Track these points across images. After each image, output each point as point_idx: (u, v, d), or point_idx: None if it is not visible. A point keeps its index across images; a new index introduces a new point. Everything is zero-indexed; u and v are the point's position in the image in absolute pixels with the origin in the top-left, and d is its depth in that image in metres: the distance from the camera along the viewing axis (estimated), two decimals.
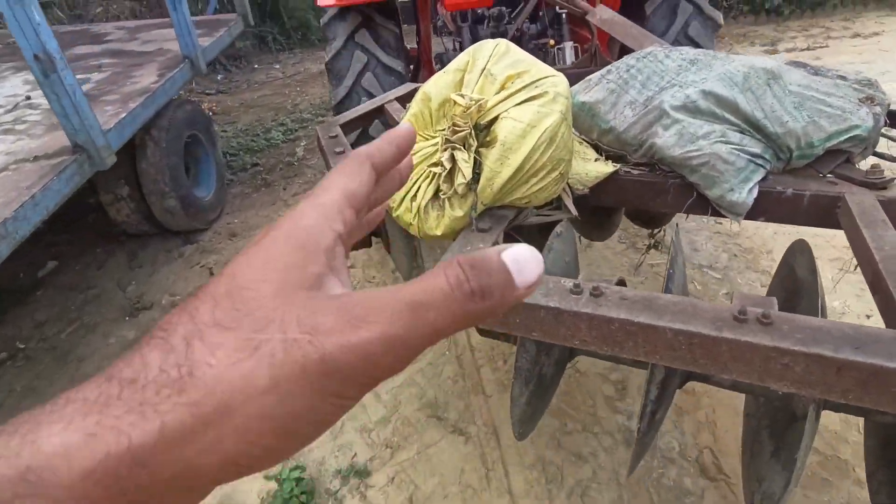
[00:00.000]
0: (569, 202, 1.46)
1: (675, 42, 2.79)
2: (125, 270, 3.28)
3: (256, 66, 8.18)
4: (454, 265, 0.25)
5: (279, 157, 4.64)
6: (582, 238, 2.26)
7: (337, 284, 0.27)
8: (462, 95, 1.24)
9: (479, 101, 1.22)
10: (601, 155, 1.54)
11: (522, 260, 0.26)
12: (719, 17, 2.94)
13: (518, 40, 3.24)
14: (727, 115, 1.35)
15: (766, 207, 1.39)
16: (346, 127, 2.05)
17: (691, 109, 1.36)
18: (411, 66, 3.50)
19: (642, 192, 1.49)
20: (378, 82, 2.79)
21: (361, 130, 2.28)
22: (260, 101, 6.42)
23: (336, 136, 1.87)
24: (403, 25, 3.23)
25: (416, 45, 3.64)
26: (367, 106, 2.12)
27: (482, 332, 1.68)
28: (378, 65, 2.80)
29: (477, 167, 1.24)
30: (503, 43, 1.39)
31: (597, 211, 1.91)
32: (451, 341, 2.46)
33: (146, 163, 3.06)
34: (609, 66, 1.55)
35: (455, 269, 0.25)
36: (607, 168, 1.48)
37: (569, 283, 1.05)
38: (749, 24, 7.43)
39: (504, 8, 3.13)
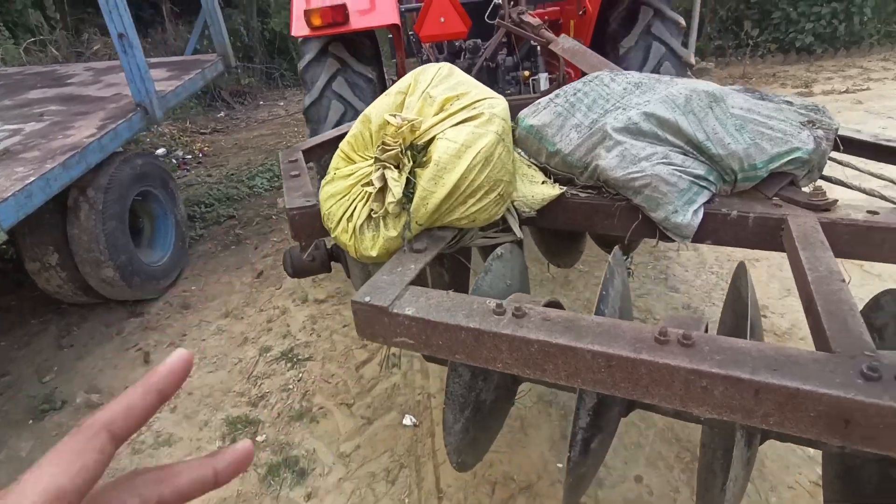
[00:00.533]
0: (514, 224, 1.44)
1: None
2: (51, 351, 2.82)
3: (262, 102, 8.24)
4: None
5: (258, 209, 4.34)
6: (550, 265, 2.24)
7: None
8: (394, 115, 1.23)
9: (411, 121, 1.22)
10: (549, 178, 1.53)
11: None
12: (691, 56, 2.99)
13: (493, 72, 3.29)
14: (669, 137, 1.34)
15: (713, 230, 1.37)
16: (309, 153, 2.05)
17: (633, 131, 1.35)
18: None
19: (590, 214, 1.47)
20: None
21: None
22: (255, 141, 6.27)
23: (296, 161, 1.87)
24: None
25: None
26: (329, 134, 2.13)
27: (427, 359, 1.63)
28: (352, 78, 2.83)
29: (411, 187, 1.22)
30: (446, 66, 1.40)
31: (560, 235, 1.90)
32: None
33: (78, 228, 2.70)
34: (557, 90, 1.56)
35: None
36: (554, 191, 1.46)
37: (492, 303, 1.02)
38: (778, 64, 7.10)
39: (479, 41, 3.18)
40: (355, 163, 1.34)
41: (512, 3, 2.52)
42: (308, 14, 2.61)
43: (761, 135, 1.33)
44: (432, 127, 1.26)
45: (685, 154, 1.34)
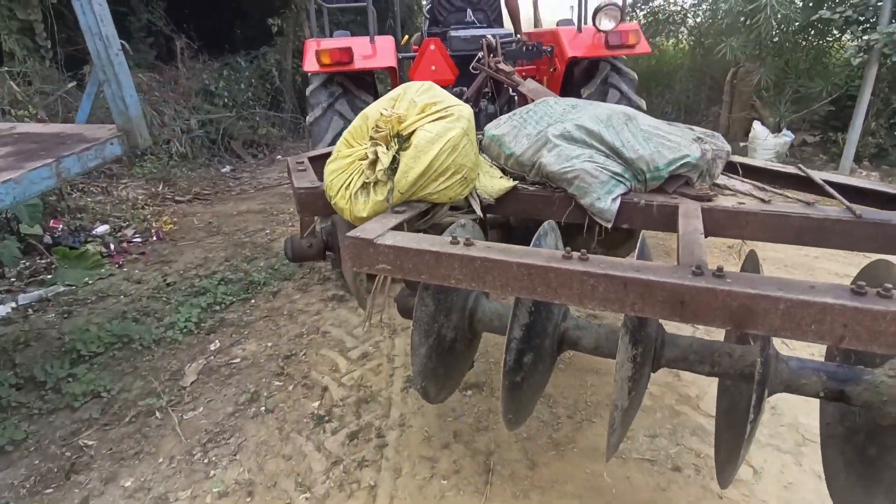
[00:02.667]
0: (476, 206, 1.83)
1: None
2: None
3: (279, 156, 7.87)
4: None
5: (150, 381, 2.72)
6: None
7: None
8: (386, 109, 1.65)
9: (399, 114, 1.64)
10: (506, 175, 1.94)
11: None
12: (643, 104, 3.54)
13: (476, 116, 3.81)
14: (594, 143, 1.77)
15: (628, 216, 1.77)
16: (314, 161, 2.46)
17: (568, 138, 1.78)
18: None
19: (536, 202, 1.87)
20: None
21: None
22: (235, 221, 5.14)
23: (303, 162, 2.27)
24: None
25: None
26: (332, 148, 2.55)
27: (402, 313, 1.96)
28: (353, 100, 3.31)
29: (396, 164, 1.62)
30: (428, 83, 1.84)
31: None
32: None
33: None
34: (515, 110, 2.00)
35: None
36: (509, 183, 1.87)
37: (448, 237, 1.39)
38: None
39: (465, 87, 3.71)
40: (354, 148, 1.74)
41: (492, 54, 3.04)
42: (319, 53, 3.10)
43: (662, 145, 1.77)
44: (414, 122, 1.67)
45: (606, 156, 1.77)
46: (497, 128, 1.98)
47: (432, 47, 3.44)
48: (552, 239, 1.58)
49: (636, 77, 3.59)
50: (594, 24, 3.26)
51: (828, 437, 1.60)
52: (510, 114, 2.01)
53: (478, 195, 1.86)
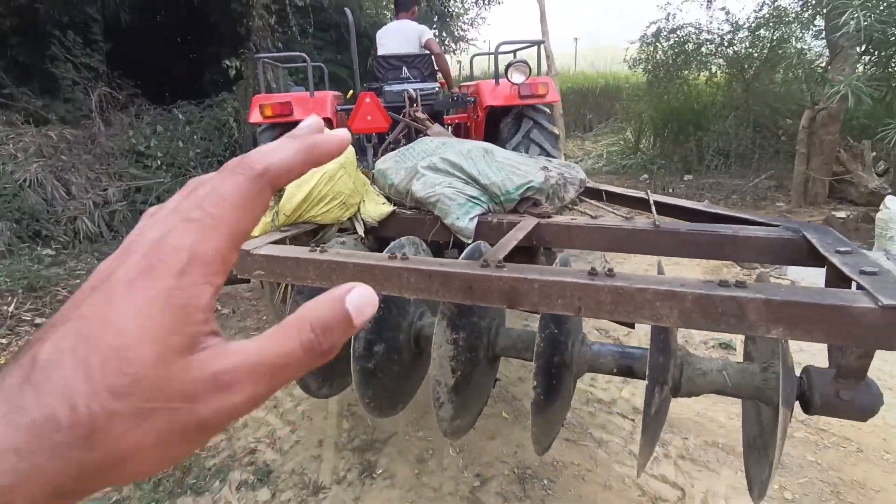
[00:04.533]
0: (359, 227, 2.16)
1: None
2: None
3: None
4: (307, 330, 0.28)
5: None
6: None
7: (210, 337, 0.28)
8: None
9: None
10: (390, 202, 2.28)
11: (362, 304, 0.29)
12: (562, 157, 3.95)
13: None
14: (455, 172, 2.11)
15: (485, 233, 2.09)
16: None
17: (434, 168, 2.13)
18: None
19: (411, 224, 2.20)
20: None
21: None
22: None
23: None
24: None
25: None
26: None
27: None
28: None
29: (282, 191, 1.95)
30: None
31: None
32: None
33: None
34: (400, 148, 2.36)
35: (308, 335, 0.28)
36: (388, 208, 2.21)
37: (307, 248, 1.70)
38: None
39: (400, 134, 4.12)
40: None
41: (412, 105, 3.45)
42: (262, 107, 3.51)
43: (512, 172, 2.11)
44: None
45: (465, 183, 2.11)
46: (384, 163, 2.33)
47: (367, 100, 3.85)
48: (409, 250, 1.89)
49: (558, 134, 4.01)
50: (507, 77, 3.70)
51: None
52: (396, 151, 2.37)
53: (362, 219, 2.19)
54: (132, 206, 5.98)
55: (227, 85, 7.66)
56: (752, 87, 7.13)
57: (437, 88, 4.13)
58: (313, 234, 2.09)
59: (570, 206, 2.32)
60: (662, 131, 8.78)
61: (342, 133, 0.34)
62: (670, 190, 7.20)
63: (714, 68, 7.81)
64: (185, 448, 0.27)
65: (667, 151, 8.62)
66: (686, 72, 7.80)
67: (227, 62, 7.06)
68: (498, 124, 4.06)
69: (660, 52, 7.87)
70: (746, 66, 7.15)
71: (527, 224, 1.97)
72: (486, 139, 3.96)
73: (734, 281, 1.23)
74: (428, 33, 4.31)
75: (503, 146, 3.94)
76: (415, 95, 3.42)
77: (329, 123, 3.81)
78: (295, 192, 1.94)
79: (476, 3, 14.66)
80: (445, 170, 2.12)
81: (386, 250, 1.80)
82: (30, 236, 5.25)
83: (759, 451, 1.51)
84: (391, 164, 2.30)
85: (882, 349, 1.15)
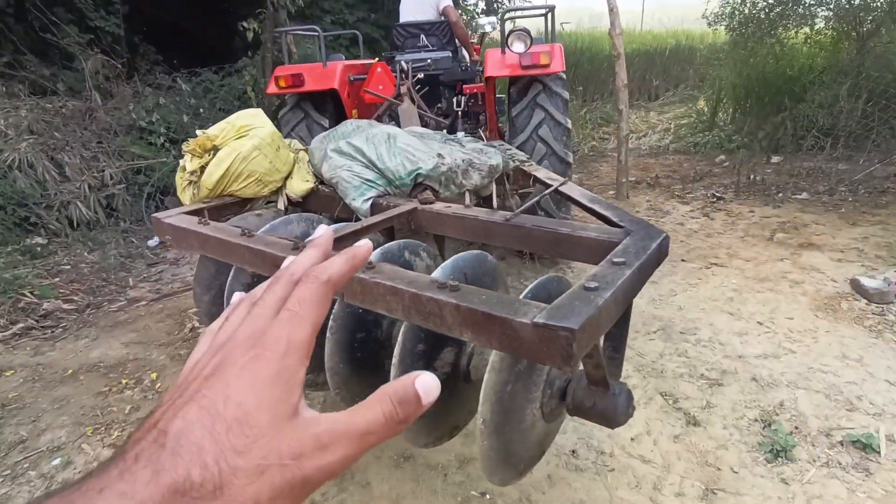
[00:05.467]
0: (281, 200, 2.46)
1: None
2: None
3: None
4: (388, 402, 0.35)
5: None
6: None
7: (304, 407, 0.34)
8: (203, 131, 2.35)
9: (210, 136, 2.32)
10: (316, 179, 2.54)
11: (429, 389, 0.36)
12: (569, 123, 3.84)
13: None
14: (356, 156, 2.31)
15: (379, 212, 2.28)
16: None
17: (339, 152, 2.34)
18: None
19: (328, 200, 2.45)
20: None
21: None
22: (47, 401, 2.74)
23: None
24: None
25: None
26: None
27: None
28: (311, 124, 4.02)
29: (204, 167, 2.31)
30: (256, 111, 2.50)
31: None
32: None
33: None
34: (329, 130, 2.60)
35: (388, 406, 0.35)
36: (309, 185, 2.48)
37: (239, 230, 2.04)
38: None
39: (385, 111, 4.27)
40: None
41: (404, 77, 3.60)
42: (276, 78, 3.89)
43: (406, 158, 2.26)
44: (225, 139, 2.35)
45: (365, 167, 2.30)
46: (315, 142, 2.59)
47: (379, 70, 4.06)
48: (295, 227, 2.16)
49: (567, 97, 3.89)
50: (508, 47, 3.67)
51: None
52: (326, 132, 2.61)
53: (286, 193, 2.49)
54: (132, 188, 5.35)
55: (237, 52, 7.01)
56: (867, 46, 5.86)
57: (449, 56, 4.19)
58: (243, 204, 2.44)
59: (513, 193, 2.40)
60: (745, 102, 7.39)
61: (365, 243, 0.44)
62: (752, 176, 6.06)
63: (820, 22, 6.50)
64: (291, 502, 0.32)
65: (750, 127, 7.16)
66: (780, 28, 6.65)
67: (245, 24, 6.18)
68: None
69: (748, 4, 6.68)
70: (863, 18, 5.91)
71: (405, 208, 2.13)
72: (498, 106, 3.99)
73: (450, 283, 1.34)
74: (446, 0, 4.34)
75: (510, 111, 3.93)
76: (406, 68, 3.56)
77: (336, 93, 4.07)
78: (214, 171, 2.29)
79: None
80: (349, 153, 2.33)
81: (269, 225, 2.10)
82: (16, 223, 4.57)
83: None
84: (317, 145, 2.55)
85: (540, 363, 1.21)
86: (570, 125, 3.85)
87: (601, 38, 10.39)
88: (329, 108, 4.18)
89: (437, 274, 1.52)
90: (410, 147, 2.30)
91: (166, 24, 8.12)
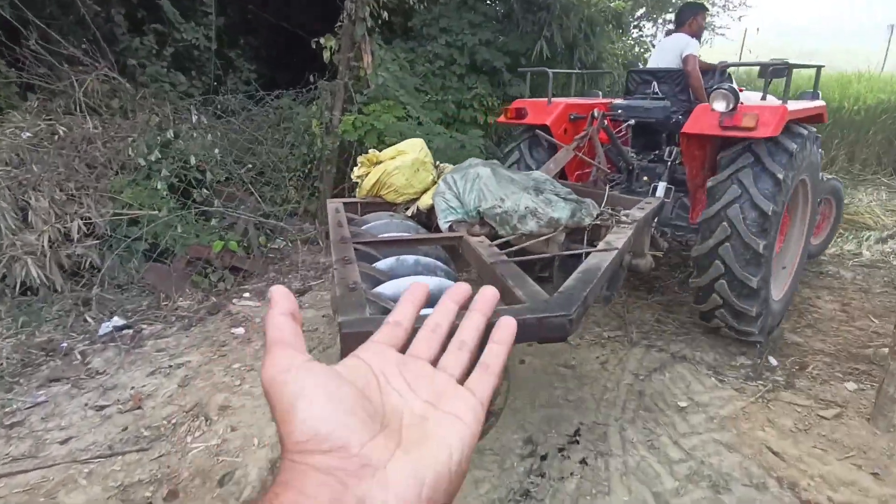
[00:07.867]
0: (411, 209, 3.27)
1: None
2: None
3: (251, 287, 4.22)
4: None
5: None
6: None
7: None
8: (373, 149, 3.34)
9: (378, 154, 3.30)
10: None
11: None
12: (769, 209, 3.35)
13: (630, 173, 4.39)
14: (452, 186, 2.90)
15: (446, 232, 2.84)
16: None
17: (444, 181, 2.98)
18: None
19: (434, 216, 3.13)
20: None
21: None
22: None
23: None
24: None
25: None
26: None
27: None
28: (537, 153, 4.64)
29: (365, 175, 3.31)
30: (420, 141, 3.35)
31: None
32: None
33: None
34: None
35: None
36: (430, 201, 3.20)
37: (349, 218, 3.04)
38: None
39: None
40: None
41: (595, 125, 3.80)
42: (505, 110, 4.63)
43: (477, 197, 2.74)
44: (385, 158, 3.29)
45: (454, 196, 2.88)
46: (452, 174, 3.27)
47: (596, 112, 4.33)
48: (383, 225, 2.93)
49: (781, 178, 3.29)
50: (709, 103, 3.43)
51: None
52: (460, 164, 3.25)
53: (417, 205, 3.29)
54: (122, 242, 3.88)
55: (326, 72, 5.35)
56: None
57: (667, 106, 4.11)
58: (388, 206, 3.36)
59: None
60: None
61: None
62: None
63: None
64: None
65: None
66: None
67: (322, 40, 5.03)
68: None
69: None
70: None
71: (457, 234, 2.66)
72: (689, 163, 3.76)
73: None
74: (691, 48, 4.17)
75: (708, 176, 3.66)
76: (597, 115, 3.77)
77: (548, 130, 4.49)
78: (370, 178, 3.27)
79: None
80: (449, 184, 2.94)
81: (373, 223, 2.96)
82: None
83: None
84: (448, 174, 3.23)
85: None
86: (771, 210, 3.24)
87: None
88: (546, 144, 4.66)
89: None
90: (486, 188, 2.77)
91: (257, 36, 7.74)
